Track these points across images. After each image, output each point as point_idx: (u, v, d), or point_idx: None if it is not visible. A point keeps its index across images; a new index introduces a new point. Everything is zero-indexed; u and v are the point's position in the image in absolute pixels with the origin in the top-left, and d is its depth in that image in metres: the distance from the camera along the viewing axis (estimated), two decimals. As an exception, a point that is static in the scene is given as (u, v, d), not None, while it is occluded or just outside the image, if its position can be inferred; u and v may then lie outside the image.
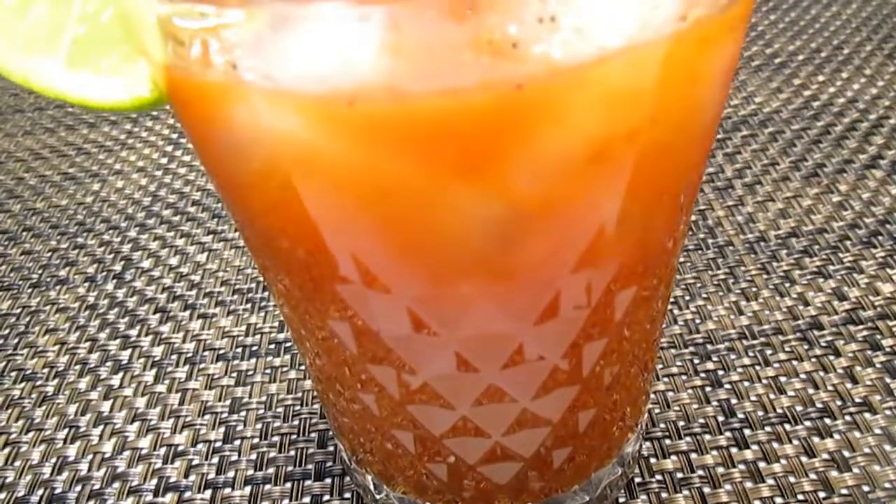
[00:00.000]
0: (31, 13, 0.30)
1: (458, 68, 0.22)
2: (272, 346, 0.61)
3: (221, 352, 0.61)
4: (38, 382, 0.59)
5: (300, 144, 0.25)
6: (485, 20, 0.21)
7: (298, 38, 0.23)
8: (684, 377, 0.54)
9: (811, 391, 0.52)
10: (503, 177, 0.26)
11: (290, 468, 0.51)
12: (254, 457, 0.52)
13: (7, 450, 0.54)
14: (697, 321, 0.58)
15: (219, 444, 0.53)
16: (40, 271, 0.71)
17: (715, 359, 0.55)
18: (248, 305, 0.65)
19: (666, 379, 0.54)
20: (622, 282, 0.33)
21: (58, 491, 0.51)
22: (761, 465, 0.48)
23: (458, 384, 0.35)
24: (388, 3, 0.21)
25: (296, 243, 0.30)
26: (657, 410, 0.52)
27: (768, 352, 0.55)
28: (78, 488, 0.51)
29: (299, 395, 0.56)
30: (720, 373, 0.54)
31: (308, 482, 0.50)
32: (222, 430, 0.54)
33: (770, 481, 0.47)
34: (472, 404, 0.36)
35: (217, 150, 0.29)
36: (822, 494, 0.46)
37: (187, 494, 0.50)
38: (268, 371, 0.59)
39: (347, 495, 0.49)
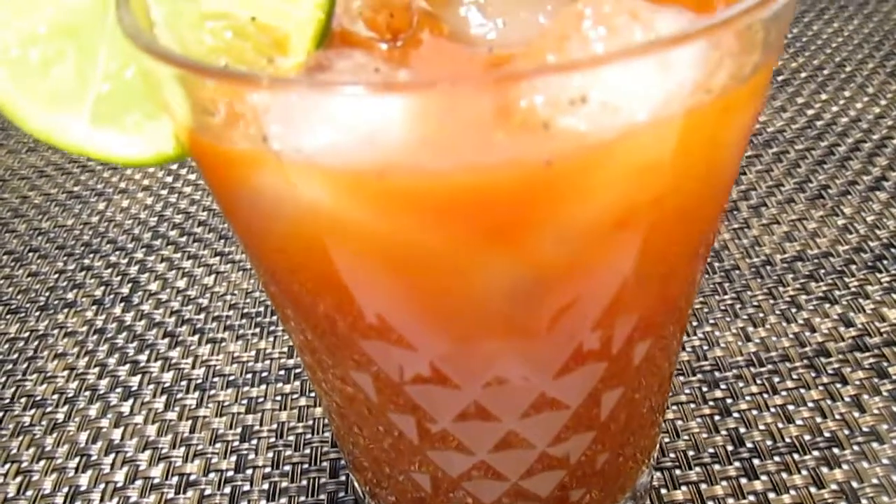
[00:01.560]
0: (54, 71, 0.30)
1: (488, 147, 0.23)
2: (282, 373, 0.61)
3: (231, 378, 0.61)
4: (48, 409, 0.60)
5: (329, 213, 0.26)
6: (517, 103, 0.22)
7: (330, 114, 0.23)
8: (693, 405, 0.55)
9: (819, 420, 0.53)
10: (529, 244, 0.26)
11: (302, 498, 0.51)
12: (266, 486, 0.52)
13: (19, 479, 0.55)
14: (705, 347, 0.59)
15: (230, 473, 0.54)
16: (47, 293, 0.71)
17: (723, 386, 0.56)
18: (257, 330, 0.65)
19: (675, 407, 0.55)
20: (641, 332, 0.33)
21: (71, 522, 0.51)
22: (771, 495, 0.48)
23: (477, 431, 0.35)
24: (420, 86, 0.21)
25: (321, 301, 0.30)
26: (667, 440, 0.53)
27: (776, 379, 0.56)
28: (91, 519, 0.51)
29: (310, 423, 0.57)
30: (729, 401, 0.55)
31: (321, 513, 0.50)
32: (234, 458, 0.55)
33: (780, 513, 0.47)
34: (491, 450, 0.36)
35: (243, 210, 0.29)
36: (831, 527, 0.46)
37: (201, 526, 0.50)
38: (278, 398, 0.59)
39: (361, 527, 0.49)
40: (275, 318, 0.66)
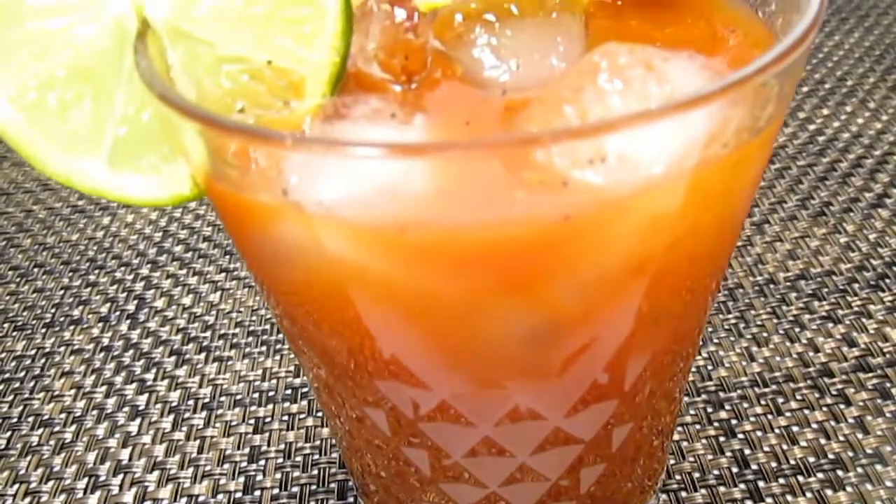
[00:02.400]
0: (72, 115, 0.31)
1: (508, 204, 0.23)
2: (288, 392, 0.61)
3: (238, 397, 0.61)
4: (56, 428, 0.60)
5: (349, 262, 0.26)
6: (537, 163, 0.22)
7: (351, 171, 0.23)
8: (698, 426, 0.55)
9: (823, 441, 0.53)
10: (545, 292, 0.26)
11: (310, 520, 0.52)
12: (274, 508, 0.53)
13: (28, 500, 0.55)
14: (710, 367, 0.59)
15: (239, 494, 0.54)
16: (53, 310, 0.71)
17: (728, 407, 0.56)
18: (263, 348, 0.65)
19: (680, 428, 0.55)
20: (653, 370, 0.34)
21: (80, 544, 0.52)
22: (776, 518, 0.49)
23: (489, 465, 0.35)
24: (440, 149, 0.22)
25: (338, 342, 0.30)
26: (672, 461, 0.53)
27: (780, 400, 0.56)
28: (101, 542, 0.52)
29: (317, 443, 0.57)
30: (733, 422, 0.55)
31: (330, 536, 0.51)
32: (242, 479, 0.55)
33: (785, 537, 0.48)
34: (503, 483, 0.36)
35: (261, 254, 0.29)
36: (836, 551, 0.47)
37: (210, 548, 0.51)
38: (285, 418, 0.59)
39: (369, 549, 0.50)
40: (280, 336, 0.66)
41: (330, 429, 0.57)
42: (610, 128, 0.21)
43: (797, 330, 0.61)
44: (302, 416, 0.59)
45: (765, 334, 0.61)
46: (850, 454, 0.52)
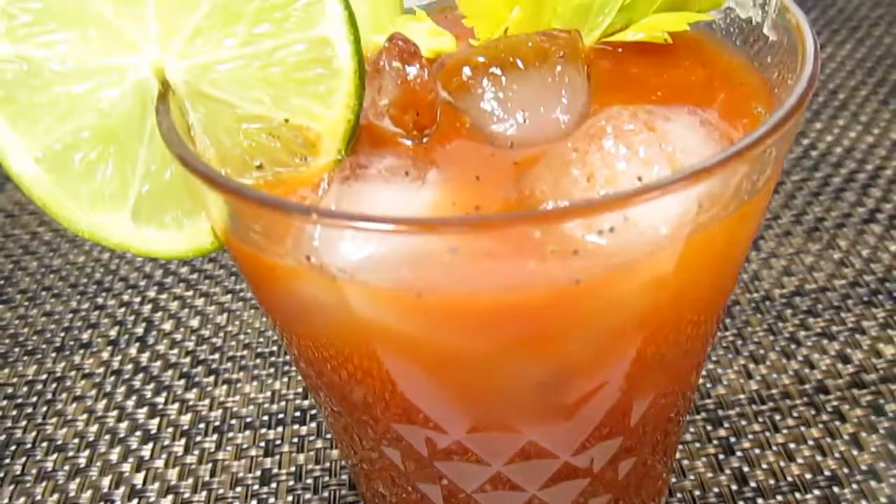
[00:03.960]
0: (96, 174, 0.32)
1: (521, 272, 0.24)
2: (297, 414, 0.62)
3: (248, 420, 0.62)
4: (70, 454, 0.61)
5: (369, 321, 0.27)
6: (550, 237, 0.23)
7: (372, 241, 0.25)
8: (698, 444, 0.57)
9: (819, 458, 0.55)
10: (555, 347, 0.28)
11: (322, 543, 0.53)
12: (287, 531, 0.54)
13: (44, 526, 0.56)
14: (709, 385, 0.61)
15: (252, 517, 0.55)
16: (62, 334, 0.72)
17: (727, 425, 0.58)
18: (272, 370, 0.66)
19: (681, 446, 0.56)
20: (657, 406, 0.35)
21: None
22: (775, 536, 0.50)
23: (501, 498, 0.37)
24: (458, 225, 0.23)
25: (355, 387, 0.32)
26: (674, 479, 0.55)
27: (777, 417, 0.58)
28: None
29: (327, 465, 0.58)
30: (732, 440, 0.57)
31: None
32: (254, 503, 0.56)
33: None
34: (513, 515, 0.38)
35: (281, 308, 0.31)
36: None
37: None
38: (294, 440, 0.60)
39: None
40: (287, 357, 0.67)
41: (341, 455, 0.58)
42: (620, 203, 0.23)
43: (793, 347, 0.63)
44: (311, 438, 0.60)
45: (762, 351, 0.63)
46: (846, 471, 0.54)
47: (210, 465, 0.59)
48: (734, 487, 0.54)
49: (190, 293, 0.75)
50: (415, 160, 0.31)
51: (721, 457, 0.56)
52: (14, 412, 0.65)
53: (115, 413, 0.64)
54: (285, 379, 0.65)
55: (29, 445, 0.62)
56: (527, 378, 0.29)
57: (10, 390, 0.67)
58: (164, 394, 0.65)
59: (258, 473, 0.58)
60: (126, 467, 0.59)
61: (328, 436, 0.60)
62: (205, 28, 0.31)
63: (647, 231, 0.25)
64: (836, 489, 0.53)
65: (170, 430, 0.62)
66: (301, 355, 0.34)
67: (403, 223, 0.23)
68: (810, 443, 0.56)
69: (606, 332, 0.28)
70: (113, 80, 0.31)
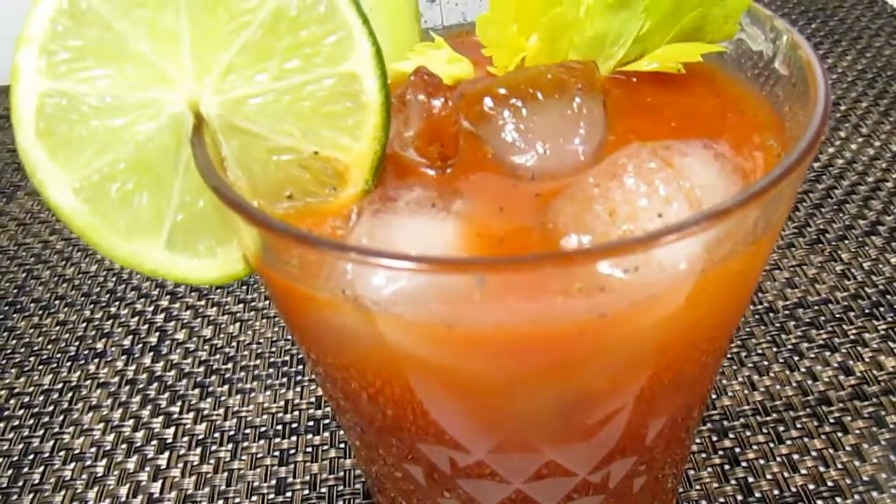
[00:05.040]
0: (132, 204, 0.33)
1: (549, 307, 0.25)
2: (311, 423, 0.64)
3: (262, 429, 0.63)
4: (88, 462, 0.62)
5: (400, 350, 0.28)
6: (576, 276, 0.25)
7: (406, 277, 0.26)
8: (704, 455, 0.58)
9: (822, 469, 0.56)
10: (577, 374, 0.29)
11: (338, 551, 0.54)
12: (303, 540, 0.55)
13: (64, 534, 0.57)
14: (714, 396, 0.62)
15: (268, 526, 0.57)
16: (77, 343, 0.73)
17: (732, 436, 0.59)
18: (284, 380, 0.67)
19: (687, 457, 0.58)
20: (671, 426, 0.36)
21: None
22: (779, 545, 0.52)
23: (518, 514, 0.38)
24: (487, 267, 0.24)
25: (382, 409, 0.33)
26: (681, 490, 0.56)
27: (781, 428, 0.59)
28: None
29: (341, 474, 0.59)
30: (737, 450, 0.58)
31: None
32: (270, 512, 0.57)
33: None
34: (530, 529, 0.39)
35: (311, 334, 0.32)
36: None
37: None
38: (308, 449, 0.62)
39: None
40: (300, 367, 0.69)
41: (359, 465, 0.59)
42: (647, 244, 0.24)
43: (796, 358, 0.64)
44: (325, 447, 0.62)
45: (765, 363, 0.64)
46: (848, 481, 0.55)
47: (226, 475, 0.60)
48: (739, 497, 0.55)
49: (202, 303, 0.76)
50: (440, 191, 0.32)
51: (727, 467, 0.57)
52: (31, 421, 0.66)
53: (131, 422, 0.65)
54: (298, 389, 0.67)
55: (47, 454, 0.63)
56: (549, 403, 0.30)
57: (26, 399, 0.68)
58: (179, 403, 0.66)
59: (273, 482, 0.59)
60: (143, 476, 0.61)
61: (342, 445, 0.62)
62: (238, 64, 0.32)
63: (668, 267, 0.26)
64: (838, 499, 0.54)
65: (185, 439, 0.63)
66: (329, 378, 0.36)
67: (435, 261, 0.24)
68: (813, 454, 0.57)
69: (626, 360, 0.29)
70: (150, 113, 0.32)
